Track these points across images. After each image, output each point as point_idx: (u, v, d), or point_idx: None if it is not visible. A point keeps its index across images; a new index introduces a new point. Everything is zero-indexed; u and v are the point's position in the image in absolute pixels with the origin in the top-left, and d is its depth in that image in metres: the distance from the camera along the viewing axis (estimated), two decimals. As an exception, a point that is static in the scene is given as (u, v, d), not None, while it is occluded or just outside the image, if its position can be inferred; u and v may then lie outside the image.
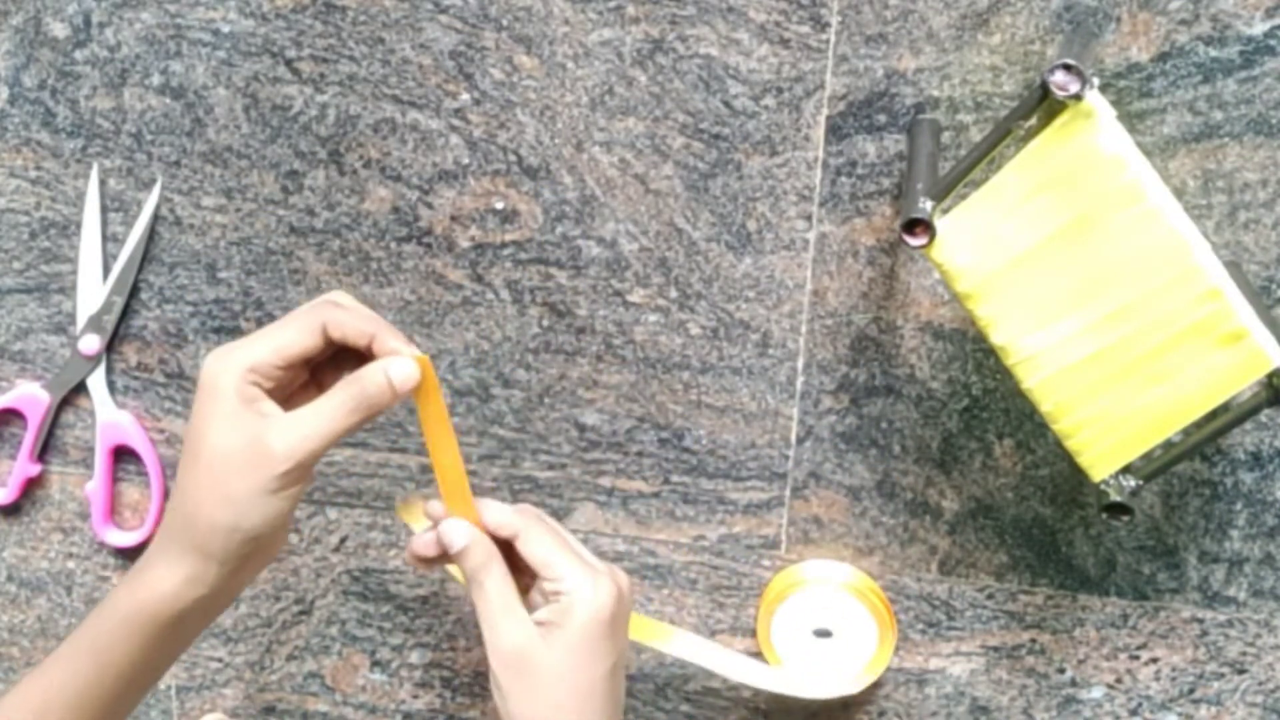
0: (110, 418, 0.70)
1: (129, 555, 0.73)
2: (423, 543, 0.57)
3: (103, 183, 0.69)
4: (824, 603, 0.68)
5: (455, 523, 0.56)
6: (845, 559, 0.69)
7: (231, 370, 0.51)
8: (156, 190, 0.68)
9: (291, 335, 0.52)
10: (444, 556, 0.57)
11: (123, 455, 0.72)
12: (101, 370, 0.70)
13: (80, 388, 0.71)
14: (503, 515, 0.56)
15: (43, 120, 0.68)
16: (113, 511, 0.73)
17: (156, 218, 0.69)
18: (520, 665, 0.53)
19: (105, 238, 0.69)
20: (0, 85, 0.68)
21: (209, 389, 0.52)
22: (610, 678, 0.54)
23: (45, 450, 0.72)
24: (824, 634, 0.68)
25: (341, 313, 0.53)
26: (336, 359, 0.55)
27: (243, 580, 0.54)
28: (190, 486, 0.52)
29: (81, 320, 0.70)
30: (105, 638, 0.54)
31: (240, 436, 0.51)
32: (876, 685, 0.70)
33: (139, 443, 0.71)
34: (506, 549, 0.56)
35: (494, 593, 0.55)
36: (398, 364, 0.52)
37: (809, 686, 0.68)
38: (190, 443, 0.52)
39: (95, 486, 0.71)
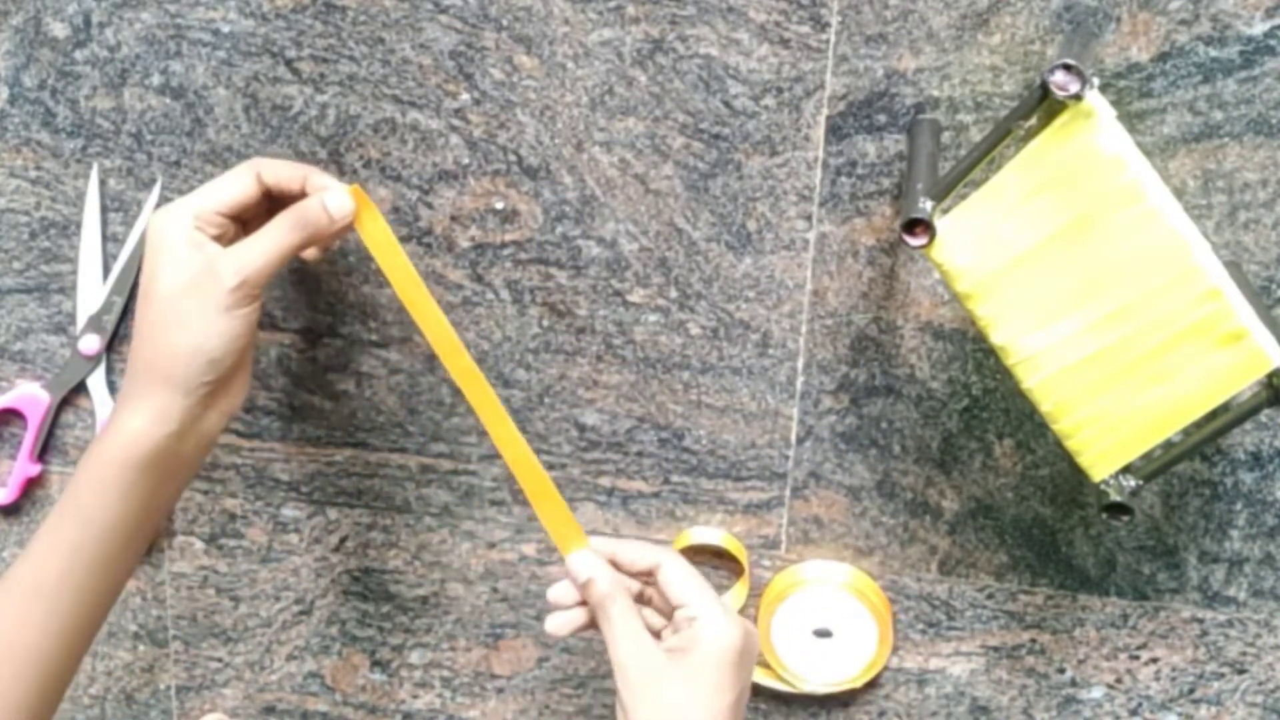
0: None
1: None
2: (560, 593, 0.60)
3: (103, 183, 0.69)
4: (824, 603, 0.68)
5: (580, 555, 0.59)
6: (845, 559, 0.69)
7: (177, 221, 0.55)
8: (156, 190, 0.68)
9: (229, 183, 0.56)
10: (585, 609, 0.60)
11: None
12: (101, 370, 0.70)
13: (80, 388, 0.71)
14: (642, 550, 0.59)
15: (43, 120, 0.68)
16: None
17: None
18: (647, 690, 0.55)
19: (105, 238, 0.69)
20: (0, 85, 0.68)
21: (156, 241, 0.55)
22: (734, 710, 0.56)
23: (45, 450, 0.72)
24: (824, 634, 0.68)
25: (274, 161, 0.58)
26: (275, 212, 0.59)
27: (210, 424, 0.57)
28: (147, 325, 0.55)
29: (81, 320, 0.70)
30: (84, 494, 0.55)
31: (190, 269, 0.54)
32: (876, 685, 0.70)
33: None
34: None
35: (620, 620, 0.57)
36: (332, 193, 0.57)
37: (809, 685, 0.69)
38: (144, 290, 0.55)
39: None
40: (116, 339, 0.70)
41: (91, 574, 0.56)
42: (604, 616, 0.58)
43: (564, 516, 0.60)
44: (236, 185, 0.57)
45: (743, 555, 0.69)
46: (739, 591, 0.69)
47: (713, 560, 0.70)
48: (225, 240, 0.57)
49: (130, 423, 0.55)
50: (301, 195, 0.58)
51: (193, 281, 0.55)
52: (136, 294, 0.69)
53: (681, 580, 0.58)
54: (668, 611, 0.59)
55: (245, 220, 0.58)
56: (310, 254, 0.65)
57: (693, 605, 0.57)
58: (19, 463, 0.72)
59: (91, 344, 0.70)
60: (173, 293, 0.55)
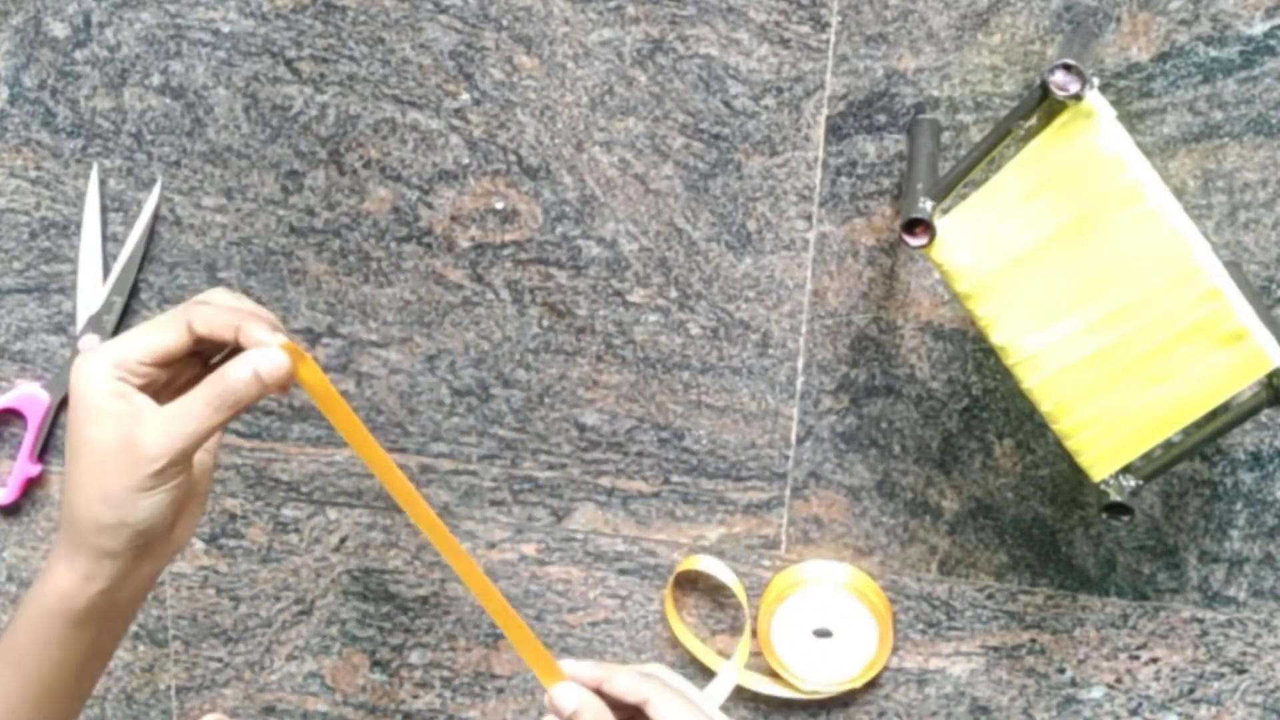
0: None
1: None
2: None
3: (103, 183, 0.69)
4: (824, 603, 0.68)
5: (564, 687, 0.56)
6: (845, 559, 0.69)
7: (100, 369, 0.52)
8: (156, 190, 0.68)
9: (157, 332, 0.52)
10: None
11: None
12: None
13: None
14: (632, 682, 0.56)
15: (43, 120, 0.68)
16: None
17: (156, 218, 0.69)
18: None
19: (105, 238, 0.69)
20: (0, 85, 0.68)
21: (79, 389, 0.52)
22: None
23: (45, 450, 0.72)
24: (824, 634, 0.68)
25: (207, 308, 0.53)
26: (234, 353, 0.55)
27: (146, 572, 0.55)
28: (72, 486, 0.52)
29: (81, 320, 0.70)
30: (22, 643, 0.54)
31: (113, 433, 0.51)
32: (876, 685, 0.70)
33: None
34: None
35: None
36: (263, 354, 0.52)
37: (809, 685, 0.69)
38: (69, 442, 0.52)
39: None
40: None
41: (38, 715, 0.55)
42: None
43: (539, 650, 0.58)
44: (164, 335, 0.52)
45: (743, 596, 0.69)
46: (742, 650, 0.69)
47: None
48: (151, 389, 0.53)
49: (61, 580, 0.53)
50: (234, 345, 0.53)
51: (114, 449, 0.51)
52: (133, 293, 0.70)
53: (673, 713, 0.55)
54: None
55: (173, 367, 0.54)
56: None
57: None
58: (19, 463, 0.72)
59: (91, 344, 0.70)
60: (96, 455, 0.51)
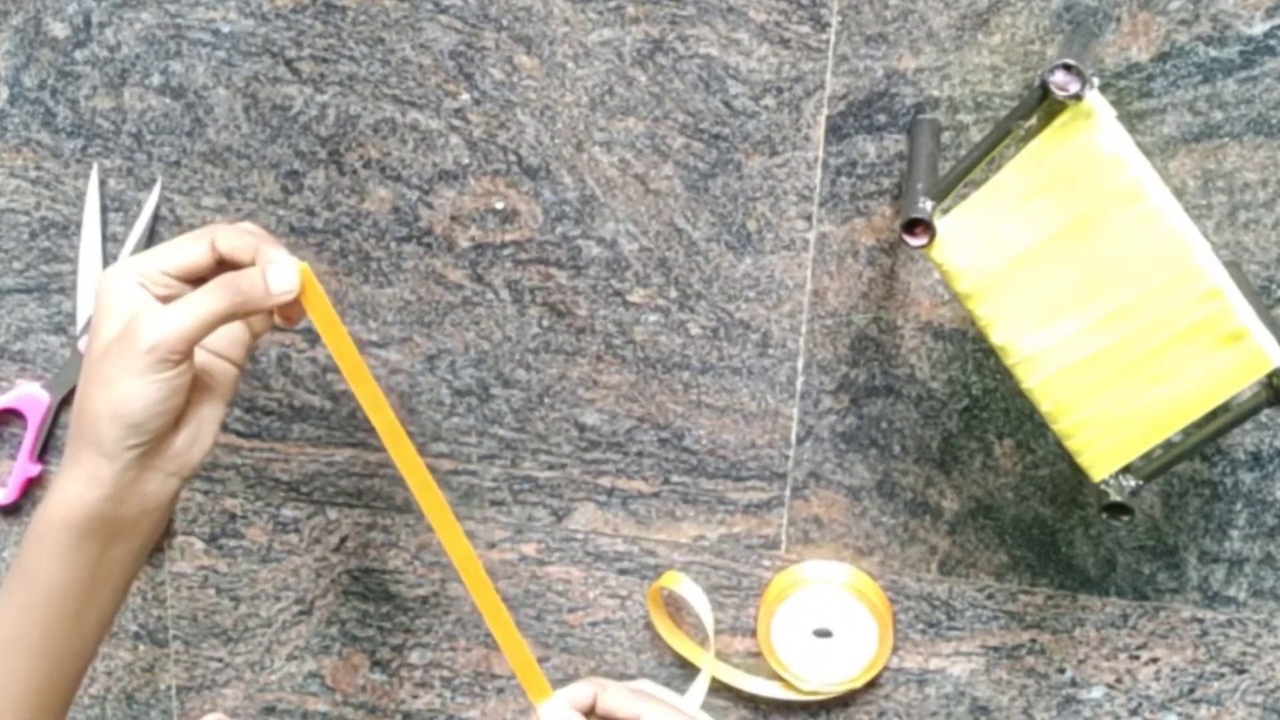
0: None
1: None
2: None
3: (103, 183, 0.69)
4: (824, 603, 0.68)
5: (552, 706, 0.55)
6: (845, 559, 0.69)
7: (122, 274, 0.53)
8: (156, 190, 0.68)
9: (181, 246, 0.54)
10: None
11: None
12: None
13: None
14: (623, 698, 0.55)
15: (43, 120, 0.68)
16: None
17: (156, 218, 0.69)
18: None
19: (105, 238, 0.69)
20: (0, 85, 0.68)
21: (99, 297, 0.53)
22: None
23: (45, 450, 0.72)
24: (824, 634, 0.68)
25: (232, 228, 0.54)
26: None
27: (152, 487, 0.54)
28: (80, 382, 0.53)
29: (81, 320, 0.70)
30: (28, 557, 0.54)
31: (117, 326, 0.52)
32: (876, 685, 0.70)
33: None
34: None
35: None
36: (277, 267, 0.53)
37: (809, 685, 0.69)
38: (89, 343, 0.53)
39: None
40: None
41: (47, 636, 0.54)
42: None
43: (530, 663, 0.57)
44: (188, 249, 0.54)
45: (709, 622, 0.69)
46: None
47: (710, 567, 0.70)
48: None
49: (65, 487, 0.53)
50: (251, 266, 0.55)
51: (114, 341, 0.52)
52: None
53: None
54: None
55: (195, 284, 0.55)
56: (256, 325, 0.58)
57: None
58: (19, 463, 0.72)
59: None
60: (98, 352, 0.53)
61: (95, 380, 0.52)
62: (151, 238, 0.69)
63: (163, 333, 0.51)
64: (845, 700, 0.71)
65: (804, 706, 0.71)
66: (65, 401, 0.71)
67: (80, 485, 0.53)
